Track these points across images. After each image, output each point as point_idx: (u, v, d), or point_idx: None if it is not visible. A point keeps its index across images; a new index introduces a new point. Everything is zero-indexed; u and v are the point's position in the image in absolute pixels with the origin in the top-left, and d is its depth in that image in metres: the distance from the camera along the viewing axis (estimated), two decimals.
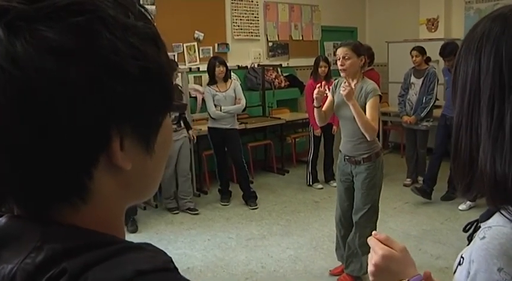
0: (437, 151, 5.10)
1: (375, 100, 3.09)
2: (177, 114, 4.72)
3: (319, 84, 3.19)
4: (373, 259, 0.91)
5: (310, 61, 5.94)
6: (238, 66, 6.73)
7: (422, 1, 7.70)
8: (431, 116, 5.47)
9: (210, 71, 5.01)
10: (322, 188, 5.75)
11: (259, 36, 7.08)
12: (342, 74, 3.16)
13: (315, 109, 3.27)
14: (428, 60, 5.49)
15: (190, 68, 6.10)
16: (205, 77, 5.33)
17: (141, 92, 0.46)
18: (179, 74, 5.22)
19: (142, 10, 0.49)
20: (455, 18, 7.57)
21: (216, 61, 5.00)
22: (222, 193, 5.36)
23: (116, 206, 0.51)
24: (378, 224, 3.32)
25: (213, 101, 4.96)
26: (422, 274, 0.90)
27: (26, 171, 0.43)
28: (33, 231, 0.44)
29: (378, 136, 6.74)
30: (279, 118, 6.38)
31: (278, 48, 7.32)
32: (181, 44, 6.12)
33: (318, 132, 5.62)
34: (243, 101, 5.13)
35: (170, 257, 0.47)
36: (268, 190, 5.74)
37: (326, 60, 5.54)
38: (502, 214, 0.72)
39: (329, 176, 5.88)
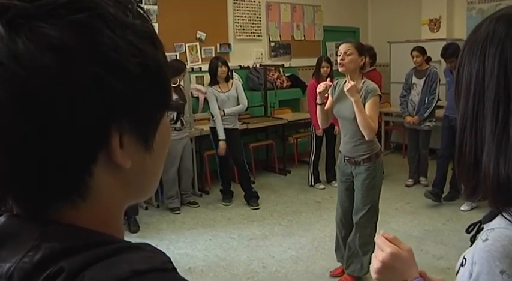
0: (444, 153, 5.05)
1: (374, 100, 3.09)
2: (175, 113, 4.73)
3: (323, 83, 3.20)
4: (380, 255, 0.91)
5: (312, 61, 5.93)
6: (240, 66, 6.73)
7: (424, 1, 7.69)
8: (434, 116, 5.46)
9: (212, 71, 5.00)
10: (324, 189, 5.74)
11: (261, 36, 7.08)
12: (339, 69, 3.14)
13: (318, 107, 3.26)
14: (429, 60, 5.49)
15: (192, 68, 6.11)
16: (207, 77, 5.32)
17: (140, 90, 0.46)
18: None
19: (140, 9, 0.49)
20: (458, 18, 7.56)
21: (218, 61, 5.00)
22: (223, 193, 5.35)
23: (114, 205, 0.51)
24: (379, 224, 3.31)
25: (217, 101, 4.96)
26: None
27: (26, 171, 0.43)
28: (31, 230, 0.44)
29: (380, 136, 6.82)
30: (281, 118, 6.38)
31: (280, 49, 7.32)
32: (184, 44, 6.11)
33: (319, 132, 5.61)
34: (245, 102, 5.13)
35: (169, 258, 0.47)
36: (270, 190, 5.74)
37: (328, 61, 5.54)
38: (504, 216, 0.72)
39: (331, 177, 5.86)
